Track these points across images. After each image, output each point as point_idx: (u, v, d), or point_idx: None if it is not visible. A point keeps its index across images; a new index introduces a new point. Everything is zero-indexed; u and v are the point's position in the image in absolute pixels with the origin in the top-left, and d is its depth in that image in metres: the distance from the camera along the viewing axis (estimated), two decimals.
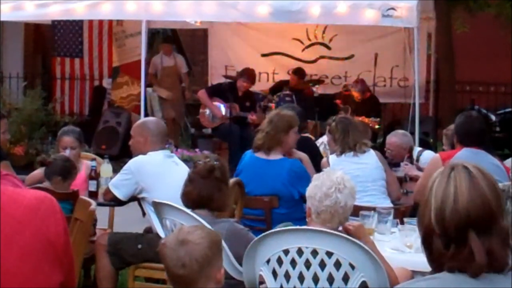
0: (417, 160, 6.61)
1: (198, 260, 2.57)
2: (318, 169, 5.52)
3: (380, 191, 5.66)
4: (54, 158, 5.22)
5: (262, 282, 3.67)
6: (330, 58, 12.51)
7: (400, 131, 6.91)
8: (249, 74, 10.57)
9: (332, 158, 5.78)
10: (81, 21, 12.31)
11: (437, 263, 1.98)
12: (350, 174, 5.52)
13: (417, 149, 6.80)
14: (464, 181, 1.95)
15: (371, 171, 5.65)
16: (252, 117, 10.30)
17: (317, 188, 3.69)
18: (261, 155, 5.62)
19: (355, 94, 10.75)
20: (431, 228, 1.95)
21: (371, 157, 5.73)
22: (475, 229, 1.91)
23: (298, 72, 11.43)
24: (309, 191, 3.74)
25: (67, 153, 5.65)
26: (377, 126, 10.22)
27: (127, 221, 6.22)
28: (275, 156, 5.58)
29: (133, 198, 5.31)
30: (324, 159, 6.07)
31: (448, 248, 1.93)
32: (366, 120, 9.97)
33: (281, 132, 5.58)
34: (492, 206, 1.94)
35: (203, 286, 2.60)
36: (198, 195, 4.13)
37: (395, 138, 6.60)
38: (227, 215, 4.18)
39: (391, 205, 5.47)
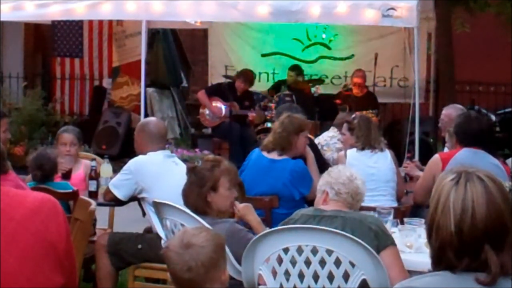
0: None
1: (204, 263, 2.56)
2: (320, 169, 5.53)
3: (390, 193, 5.73)
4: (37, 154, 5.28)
5: (260, 283, 3.67)
6: (330, 58, 12.51)
7: (460, 106, 6.92)
8: (246, 76, 10.60)
9: (351, 152, 5.84)
10: (81, 21, 12.29)
11: (444, 267, 1.98)
12: (365, 171, 5.62)
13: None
14: (481, 196, 1.96)
15: (385, 172, 5.75)
16: (252, 114, 10.32)
17: (340, 173, 3.84)
18: (267, 154, 5.65)
19: (357, 80, 10.74)
20: (449, 240, 1.96)
21: (386, 158, 5.85)
22: (490, 243, 1.94)
23: (296, 69, 11.44)
24: (330, 176, 3.85)
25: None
26: (374, 118, 10.25)
27: (127, 221, 6.23)
28: (281, 156, 5.61)
29: (133, 198, 5.31)
30: (341, 153, 6.12)
31: (461, 259, 1.95)
32: (364, 113, 10.02)
33: (292, 133, 5.62)
34: (506, 221, 1.96)
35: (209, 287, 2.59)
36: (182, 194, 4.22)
37: (452, 110, 6.61)
38: (227, 216, 4.18)
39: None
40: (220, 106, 10.51)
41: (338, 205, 3.78)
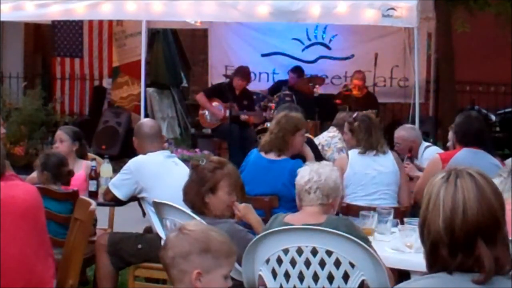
0: (422, 155, 6.58)
1: (174, 248, 2.58)
2: None
3: (392, 196, 5.63)
4: (47, 153, 5.25)
5: (261, 284, 3.67)
6: (330, 58, 12.51)
7: (409, 125, 6.95)
8: (243, 72, 10.57)
9: (353, 153, 5.75)
10: (81, 21, 12.31)
11: (439, 268, 1.98)
12: (367, 173, 5.58)
13: (424, 144, 6.78)
14: (472, 191, 1.97)
15: (388, 175, 5.63)
16: (244, 116, 10.30)
17: (300, 179, 3.86)
18: (265, 154, 5.64)
19: (357, 82, 10.76)
20: (440, 237, 1.96)
21: (389, 160, 5.71)
22: (483, 238, 1.94)
23: (297, 70, 11.44)
24: (296, 184, 3.86)
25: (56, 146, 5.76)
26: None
27: (127, 221, 6.23)
28: (279, 156, 5.59)
29: (133, 198, 5.32)
30: (343, 155, 6.07)
31: (455, 256, 1.95)
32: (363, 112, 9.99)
33: (288, 133, 5.59)
34: (498, 215, 1.97)
35: (177, 278, 2.59)
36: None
37: (403, 131, 6.62)
38: (227, 216, 4.18)
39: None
40: (219, 107, 10.49)
41: (310, 211, 3.73)
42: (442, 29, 11.27)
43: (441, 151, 6.46)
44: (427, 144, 6.88)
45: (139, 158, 5.34)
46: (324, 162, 4.03)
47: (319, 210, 3.74)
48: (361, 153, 5.71)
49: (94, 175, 5.59)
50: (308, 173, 3.79)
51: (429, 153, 6.49)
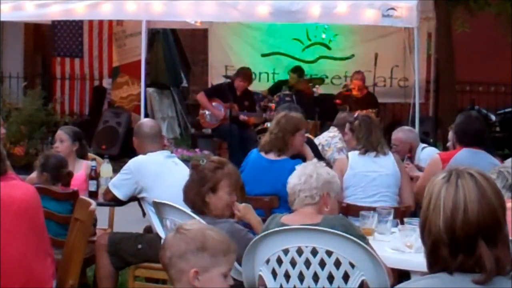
0: (419, 156, 6.59)
1: (171, 248, 2.58)
2: None
3: (392, 198, 5.58)
4: (47, 154, 5.25)
5: (261, 284, 3.67)
6: (330, 58, 12.51)
7: (406, 127, 6.94)
8: (244, 73, 10.57)
9: (353, 154, 5.72)
10: (81, 21, 12.32)
11: (440, 268, 1.99)
12: (367, 175, 5.55)
13: (421, 145, 6.78)
14: (472, 191, 1.97)
15: (388, 177, 5.58)
16: (243, 117, 10.30)
17: (289, 185, 3.79)
18: (265, 154, 5.64)
19: (356, 82, 10.76)
20: (440, 237, 1.96)
21: (389, 161, 5.66)
22: (484, 238, 1.94)
23: (297, 70, 11.44)
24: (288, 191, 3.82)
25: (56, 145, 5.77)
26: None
27: (127, 221, 6.23)
28: (279, 156, 5.59)
29: (133, 198, 5.32)
30: (343, 157, 6.05)
31: (455, 256, 1.95)
32: (365, 112, 10.01)
33: (288, 134, 5.59)
34: (499, 215, 1.97)
35: (175, 277, 2.59)
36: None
37: (401, 133, 6.61)
38: (227, 216, 4.19)
39: None
40: (219, 107, 10.48)
41: (304, 212, 3.72)
42: (442, 29, 11.26)
43: (437, 151, 6.46)
44: (423, 145, 6.88)
45: (139, 158, 5.34)
46: (310, 162, 4.01)
47: (311, 210, 3.72)
48: (361, 153, 5.68)
49: (94, 175, 5.59)
50: (291, 179, 3.80)
51: (426, 154, 6.49)
